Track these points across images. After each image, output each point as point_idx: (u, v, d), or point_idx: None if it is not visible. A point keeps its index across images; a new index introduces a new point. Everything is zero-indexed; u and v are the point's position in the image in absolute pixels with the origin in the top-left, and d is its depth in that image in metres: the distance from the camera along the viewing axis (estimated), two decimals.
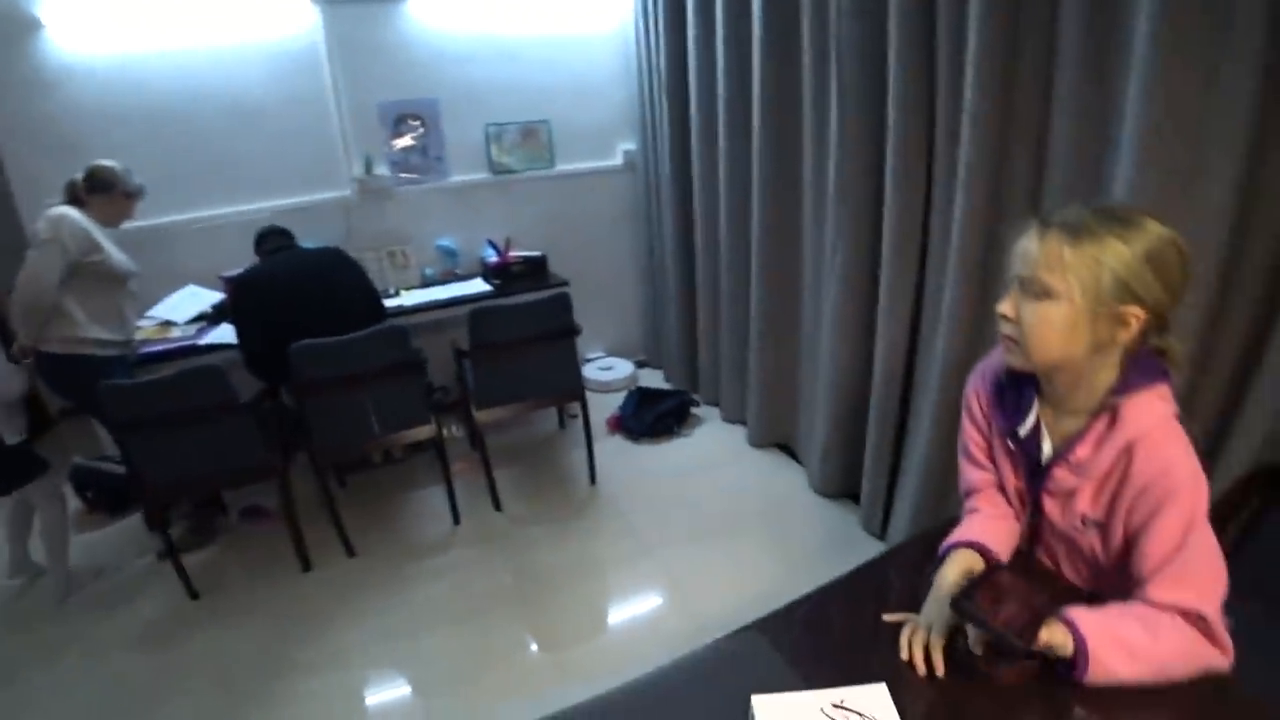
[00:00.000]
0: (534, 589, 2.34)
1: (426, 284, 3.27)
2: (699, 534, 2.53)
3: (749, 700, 0.74)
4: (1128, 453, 0.86)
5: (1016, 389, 0.98)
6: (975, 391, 1.07)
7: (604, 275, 3.80)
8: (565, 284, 3.14)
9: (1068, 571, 1.02)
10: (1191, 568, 0.83)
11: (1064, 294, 0.83)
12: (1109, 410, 0.88)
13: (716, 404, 3.37)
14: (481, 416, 2.62)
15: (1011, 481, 1.04)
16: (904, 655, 0.86)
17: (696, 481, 2.87)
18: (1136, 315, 0.82)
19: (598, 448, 2.89)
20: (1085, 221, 0.83)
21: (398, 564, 2.48)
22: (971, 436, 1.09)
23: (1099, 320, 0.83)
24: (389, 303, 2.93)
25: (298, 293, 2.39)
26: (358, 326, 2.31)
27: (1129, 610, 0.84)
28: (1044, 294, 0.84)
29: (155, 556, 2.52)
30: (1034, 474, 0.98)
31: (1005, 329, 0.90)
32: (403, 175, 3.24)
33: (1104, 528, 0.91)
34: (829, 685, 0.77)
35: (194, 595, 2.35)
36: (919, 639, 0.87)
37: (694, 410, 3.34)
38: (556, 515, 2.73)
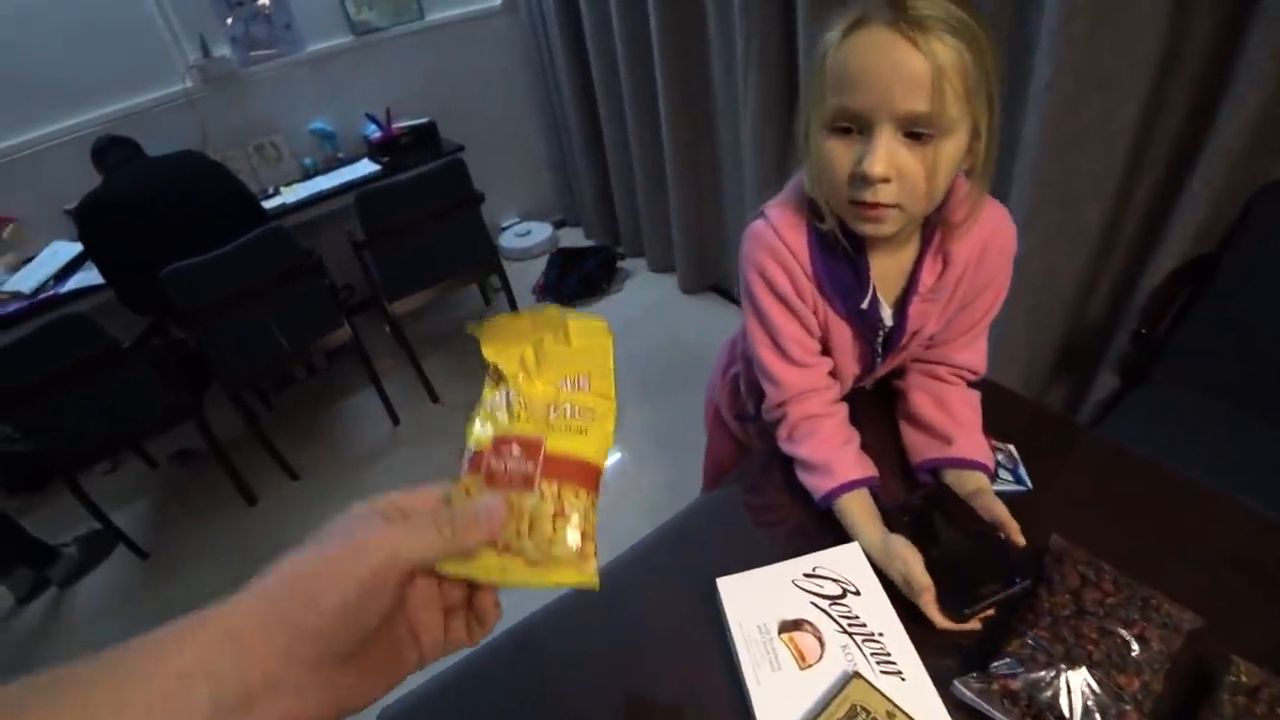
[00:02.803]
0: None
1: (309, 176, 2.94)
2: (647, 390, 2.51)
3: (714, 583, 0.69)
4: (982, 249, 0.77)
5: (838, 258, 0.77)
6: (786, 281, 0.79)
7: (504, 134, 3.48)
8: (460, 149, 2.88)
9: None
10: (985, 332, 0.87)
11: (960, 121, 0.62)
12: (932, 226, 0.75)
13: (641, 255, 3.25)
14: (397, 308, 2.47)
15: (850, 363, 0.86)
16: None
17: (634, 337, 2.81)
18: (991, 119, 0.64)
19: None
20: (952, 8, 0.59)
21: (345, 475, 2.43)
22: (791, 335, 0.82)
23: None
24: (270, 203, 2.65)
25: (155, 209, 2.12)
26: (237, 237, 2.07)
27: (959, 407, 0.84)
28: (940, 131, 0.61)
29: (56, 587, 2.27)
30: (870, 339, 0.83)
31: (882, 195, 0.64)
32: (252, 54, 2.83)
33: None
34: (799, 552, 0.71)
35: (142, 555, 2.28)
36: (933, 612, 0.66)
37: (620, 265, 3.22)
38: None
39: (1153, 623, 0.60)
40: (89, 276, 2.36)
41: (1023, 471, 0.81)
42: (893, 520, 0.74)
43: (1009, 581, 0.64)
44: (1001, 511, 0.70)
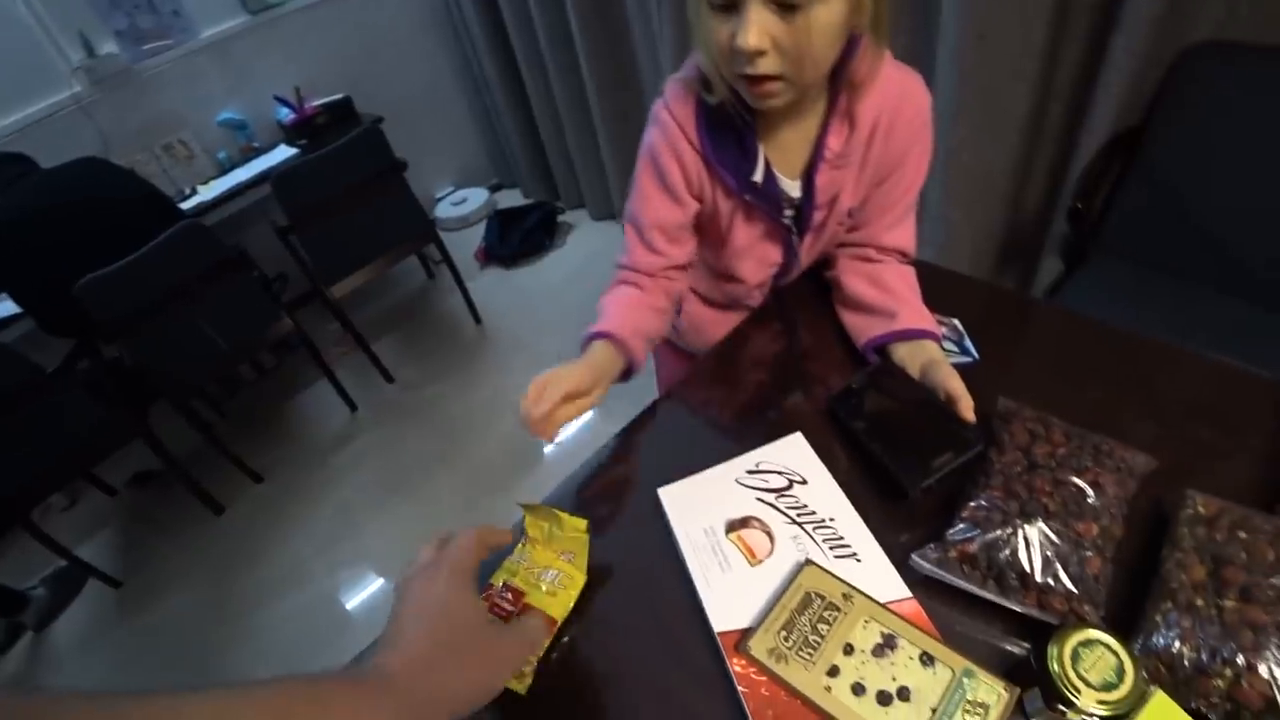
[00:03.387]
0: (457, 442, 2.29)
1: (225, 170, 2.80)
2: None
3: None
4: (892, 117, 0.75)
5: (726, 131, 0.76)
6: (674, 165, 0.78)
7: (425, 102, 3.33)
8: (379, 121, 2.76)
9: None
10: (912, 211, 0.85)
11: None
12: (836, 89, 0.73)
13: (582, 206, 3.17)
14: (336, 291, 2.38)
15: (765, 248, 0.86)
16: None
17: (582, 288, 2.75)
18: None
19: (473, 285, 2.72)
20: None
21: (311, 470, 2.37)
22: (667, 215, 0.82)
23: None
24: (188, 204, 2.52)
25: (60, 222, 1.98)
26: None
27: (895, 282, 0.82)
28: None
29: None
30: (776, 217, 0.81)
31: (761, 66, 0.63)
32: (143, 48, 2.65)
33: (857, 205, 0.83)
34: (744, 450, 0.69)
35: (115, 584, 2.19)
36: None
37: (561, 219, 3.15)
38: (451, 366, 2.61)
39: (1106, 468, 0.58)
40: (4, 308, 2.23)
41: (969, 343, 0.79)
42: (837, 404, 0.72)
43: (961, 449, 0.62)
44: (955, 384, 0.68)
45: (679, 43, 2.04)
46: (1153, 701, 0.45)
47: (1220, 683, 0.46)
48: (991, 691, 0.48)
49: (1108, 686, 0.46)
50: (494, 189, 3.63)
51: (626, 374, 0.81)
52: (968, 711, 0.47)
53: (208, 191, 2.63)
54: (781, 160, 0.78)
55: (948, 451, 0.62)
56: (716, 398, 0.84)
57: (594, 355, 0.77)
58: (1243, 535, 0.52)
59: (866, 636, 0.50)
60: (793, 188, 0.79)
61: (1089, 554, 0.53)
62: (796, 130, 0.76)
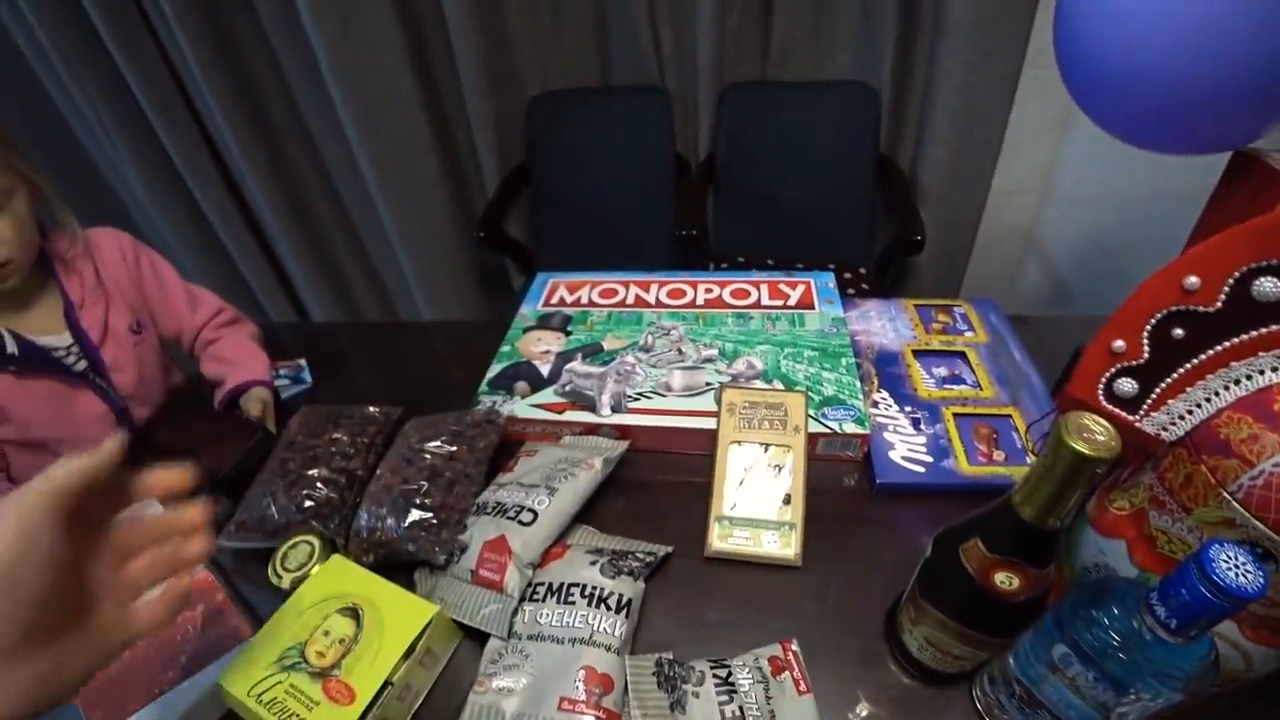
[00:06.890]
0: None
1: None
2: None
3: None
4: (98, 253, 0.97)
5: None
6: None
7: None
8: None
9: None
10: (191, 288, 1.07)
11: (14, 185, 0.82)
12: (49, 264, 0.92)
13: None
14: None
15: (81, 398, 0.94)
16: None
17: None
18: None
19: None
20: None
21: None
22: None
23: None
24: None
25: None
26: None
27: (227, 350, 1.04)
28: (4, 198, 0.81)
29: None
30: (65, 373, 0.92)
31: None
32: None
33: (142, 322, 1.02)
34: None
35: None
36: None
37: None
38: None
39: (343, 427, 0.86)
40: None
41: (306, 374, 1.06)
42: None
43: (248, 437, 0.89)
44: (253, 408, 0.96)
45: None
46: (331, 560, 0.71)
47: (380, 536, 0.74)
48: None
49: (301, 565, 0.72)
50: None
51: None
52: None
53: None
54: (32, 326, 0.90)
55: (240, 441, 0.89)
56: None
57: None
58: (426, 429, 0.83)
59: None
60: (62, 339, 0.92)
61: (320, 487, 0.80)
62: (37, 300, 0.91)
